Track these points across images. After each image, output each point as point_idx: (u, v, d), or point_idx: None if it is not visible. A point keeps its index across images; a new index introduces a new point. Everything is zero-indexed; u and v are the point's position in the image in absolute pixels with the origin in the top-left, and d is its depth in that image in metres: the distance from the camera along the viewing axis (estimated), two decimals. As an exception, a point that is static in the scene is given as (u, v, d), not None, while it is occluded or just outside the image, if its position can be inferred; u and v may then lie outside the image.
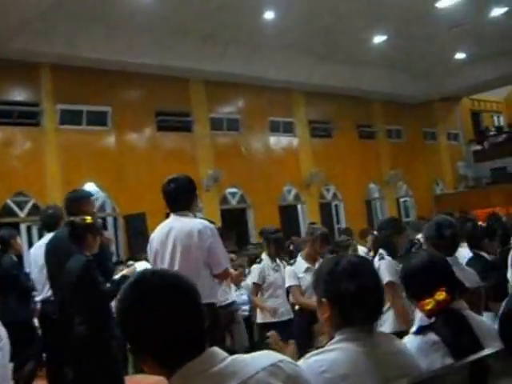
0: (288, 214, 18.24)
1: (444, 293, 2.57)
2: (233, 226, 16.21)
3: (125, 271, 5.68)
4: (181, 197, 4.63)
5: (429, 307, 2.58)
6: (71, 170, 13.49)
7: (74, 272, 4.78)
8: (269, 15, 14.00)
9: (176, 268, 4.36)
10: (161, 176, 14.47)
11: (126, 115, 14.73)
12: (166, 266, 4.45)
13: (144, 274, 1.79)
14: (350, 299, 2.20)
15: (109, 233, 5.70)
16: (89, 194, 6.07)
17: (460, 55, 19.30)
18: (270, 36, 14.58)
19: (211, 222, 4.83)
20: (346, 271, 2.25)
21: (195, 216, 4.92)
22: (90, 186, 14.14)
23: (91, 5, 12.07)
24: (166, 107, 15.61)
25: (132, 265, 5.74)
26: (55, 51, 12.84)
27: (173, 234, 4.52)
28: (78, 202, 5.47)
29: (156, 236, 4.68)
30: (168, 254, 4.50)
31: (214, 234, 4.54)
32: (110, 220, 14.82)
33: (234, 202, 17.09)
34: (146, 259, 6.25)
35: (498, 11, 14.92)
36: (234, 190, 17.02)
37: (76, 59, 13.28)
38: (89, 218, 5.04)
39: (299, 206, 18.78)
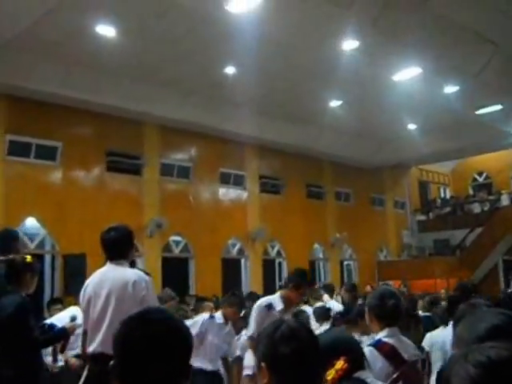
0: (231, 267, 18.09)
1: (343, 362, 2.58)
2: (174, 274, 16.01)
3: (67, 325, 5.43)
4: (119, 246, 4.68)
5: (330, 377, 2.59)
6: (14, 203, 13.20)
7: (7, 310, 4.60)
8: (230, 70, 14.15)
9: (108, 317, 4.38)
10: (105, 217, 14.46)
11: (76, 152, 14.54)
12: (96, 314, 4.46)
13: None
14: (286, 363, 2.17)
15: (76, 323, 5.51)
16: (18, 234, 5.91)
17: (411, 126, 19.78)
18: (228, 89, 14.72)
19: (147, 274, 4.83)
20: (284, 336, 2.22)
21: (132, 265, 4.93)
22: (30, 221, 13.85)
23: (51, 40, 11.96)
24: (118, 148, 15.49)
25: (74, 319, 5.50)
26: (10, 82, 12.72)
27: (107, 282, 4.52)
28: (12, 239, 5.36)
29: (91, 283, 4.67)
30: (101, 302, 4.49)
31: (149, 285, 4.55)
32: (47, 258, 14.43)
33: (176, 251, 16.87)
34: (77, 304, 6.05)
35: (450, 89, 15.37)
36: (178, 238, 16.82)
37: (31, 92, 13.17)
38: (29, 257, 5.02)
39: (242, 261, 18.66)
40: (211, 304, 9.85)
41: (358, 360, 2.72)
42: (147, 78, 14.32)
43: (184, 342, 1.89)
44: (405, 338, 4.33)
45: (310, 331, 2.41)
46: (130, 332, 1.89)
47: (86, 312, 4.63)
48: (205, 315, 6.95)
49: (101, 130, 15.08)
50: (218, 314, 6.84)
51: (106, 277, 4.57)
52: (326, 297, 10.93)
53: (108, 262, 4.70)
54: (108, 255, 4.70)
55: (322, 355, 2.62)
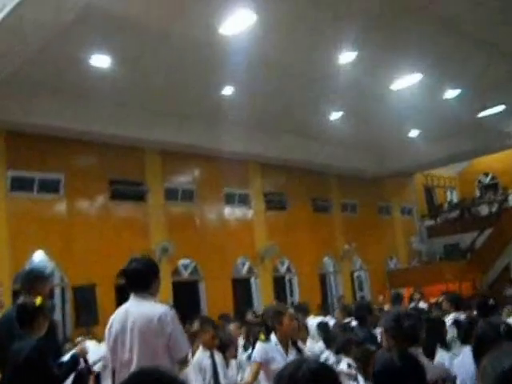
0: (241, 286, 18.02)
1: None
2: (185, 298, 15.94)
3: (74, 350, 5.39)
4: (142, 278, 4.55)
5: None
6: (20, 238, 13.19)
7: (23, 353, 4.55)
8: (227, 91, 14.13)
9: (135, 355, 4.33)
10: (112, 246, 14.44)
11: (78, 183, 14.53)
12: (126, 352, 4.39)
13: None
14: None
15: (84, 346, 5.45)
16: (48, 275, 5.79)
17: (414, 132, 19.73)
18: (227, 109, 14.68)
19: (170, 307, 4.73)
20: (306, 378, 2.13)
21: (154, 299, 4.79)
22: (38, 254, 13.82)
23: (47, 73, 12.02)
24: (120, 176, 15.47)
25: (82, 341, 5.47)
26: (9, 118, 12.73)
27: (131, 319, 4.43)
28: (34, 281, 5.30)
29: (115, 320, 4.56)
30: (128, 340, 4.40)
31: (174, 319, 4.45)
32: (57, 291, 14.36)
33: (186, 274, 16.79)
34: (95, 338, 6.03)
35: (451, 93, 15.33)
36: (186, 261, 16.76)
37: (30, 126, 13.16)
38: (39, 300, 4.86)
39: (253, 279, 18.57)
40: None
41: None
42: (145, 105, 14.33)
43: None
44: (426, 360, 4.26)
45: (333, 371, 2.33)
46: None
47: (113, 351, 4.53)
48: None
49: (102, 159, 15.08)
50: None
51: (130, 313, 4.47)
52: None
53: (132, 295, 4.58)
54: (131, 288, 4.58)
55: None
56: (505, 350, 2.15)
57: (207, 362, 6.54)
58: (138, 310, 4.46)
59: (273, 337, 5.75)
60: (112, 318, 4.62)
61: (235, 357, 7.77)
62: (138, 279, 4.53)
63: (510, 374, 1.87)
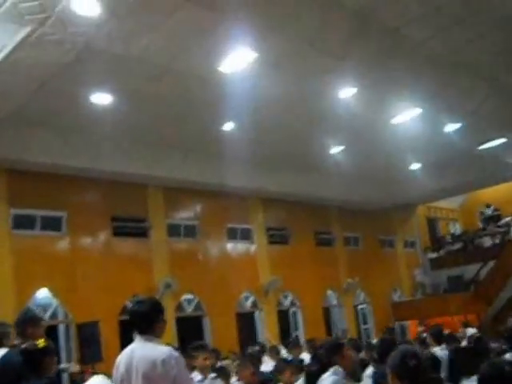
0: (245, 321, 17.96)
1: None
2: (189, 334, 15.88)
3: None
4: (147, 320, 4.52)
5: None
6: (24, 275, 13.14)
7: None
8: (228, 126, 14.26)
9: None
10: (115, 282, 14.41)
11: (81, 220, 14.57)
12: None
13: None
14: None
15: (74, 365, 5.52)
16: (39, 318, 5.81)
17: (415, 165, 19.84)
18: (228, 145, 14.76)
19: (175, 349, 4.69)
20: None
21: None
22: (42, 293, 13.82)
23: (48, 111, 12.11)
24: (123, 212, 15.53)
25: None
26: (11, 156, 12.81)
27: (135, 361, 4.40)
28: (28, 323, 5.32)
29: (122, 361, 4.54)
30: (133, 381, 4.37)
31: (179, 362, 4.39)
32: (61, 327, 14.32)
33: (189, 310, 16.74)
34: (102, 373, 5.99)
35: (452, 127, 15.44)
36: (190, 296, 16.72)
37: (31, 164, 13.24)
38: (42, 341, 4.89)
39: (257, 313, 18.51)
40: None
41: None
42: (146, 141, 14.44)
43: None
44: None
45: None
46: None
47: None
48: None
49: (104, 195, 15.16)
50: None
51: (135, 354, 4.44)
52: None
53: (137, 336, 4.56)
54: (136, 329, 4.56)
55: None
56: None
57: None
58: (142, 352, 4.43)
59: (333, 371, 5.54)
60: (118, 359, 4.62)
61: None
62: (143, 321, 4.51)
63: None
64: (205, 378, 6.23)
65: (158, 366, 4.27)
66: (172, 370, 4.27)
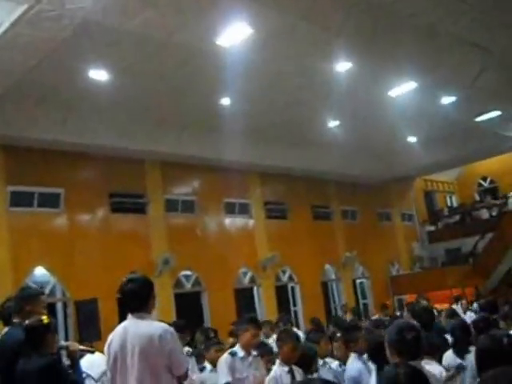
0: (244, 296, 17.98)
1: None
2: (187, 310, 15.89)
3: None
4: (139, 298, 4.61)
5: None
6: (21, 253, 13.11)
7: (38, 371, 4.59)
8: (225, 101, 14.16)
9: (136, 373, 4.36)
10: (113, 259, 14.37)
11: (79, 197, 14.48)
12: (125, 371, 4.43)
13: None
14: None
15: (73, 344, 5.47)
16: (38, 293, 5.74)
17: (412, 138, 19.78)
18: (225, 120, 14.66)
19: (169, 325, 4.79)
20: None
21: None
22: (39, 270, 13.77)
23: (46, 87, 12.02)
24: (121, 188, 15.44)
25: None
26: (8, 133, 12.69)
27: (130, 337, 4.48)
28: (26, 300, 5.27)
29: (114, 339, 4.61)
30: (128, 359, 4.45)
31: (174, 337, 4.53)
32: (59, 305, 14.30)
33: (188, 286, 16.74)
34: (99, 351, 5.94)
35: (447, 99, 15.37)
36: (188, 272, 16.70)
37: (29, 141, 13.14)
38: (45, 318, 4.91)
39: (255, 289, 18.53)
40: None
41: None
42: (144, 116, 14.33)
43: None
44: (428, 369, 4.24)
45: None
46: None
47: (113, 370, 4.57)
48: None
49: (102, 172, 15.06)
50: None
51: (129, 332, 4.52)
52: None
53: (129, 314, 4.63)
54: (128, 308, 4.63)
55: None
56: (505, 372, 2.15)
57: (286, 380, 5.67)
58: (137, 329, 4.51)
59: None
60: (110, 337, 4.67)
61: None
62: (135, 299, 4.59)
63: None
64: (248, 354, 6.01)
65: (155, 341, 4.39)
66: (167, 345, 4.41)
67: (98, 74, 11.84)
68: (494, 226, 22.24)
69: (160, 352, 4.39)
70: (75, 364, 5.08)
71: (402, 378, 2.59)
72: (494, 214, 24.17)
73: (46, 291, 13.95)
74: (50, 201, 14.14)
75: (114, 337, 4.63)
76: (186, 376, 4.80)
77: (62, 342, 5.56)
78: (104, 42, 10.40)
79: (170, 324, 4.97)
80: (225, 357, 5.98)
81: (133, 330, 4.52)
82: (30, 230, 13.58)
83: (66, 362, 5.22)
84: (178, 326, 6.25)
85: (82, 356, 5.57)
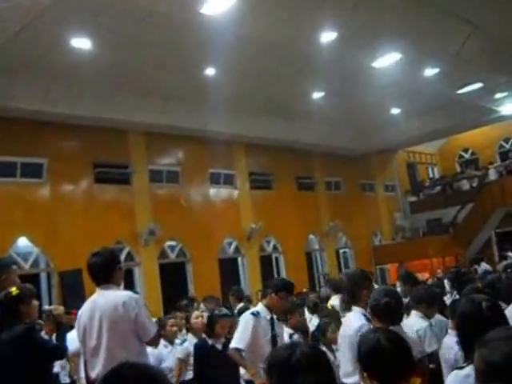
0: (228, 267, 18.07)
1: (418, 378, 2.55)
2: (172, 280, 15.97)
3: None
4: (104, 271, 4.72)
5: None
6: (3, 224, 13.03)
7: (10, 341, 4.53)
8: (210, 71, 14.09)
9: (104, 342, 4.49)
10: (97, 229, 14.31)
11: (62, 167, 14.40)
12: (93, 341, 4.56)
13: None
14: None
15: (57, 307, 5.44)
16: (9, 262, 5.71)
17: (395, 110, 19.83)
18: (210, 90, 14.59)
19: (135, 293, 4.99)
20: (301, 364, 2.07)
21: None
22: (22, 241, 13.73)
23: (28, 56, 11.85)
24: (105, 159, 15.38)
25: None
26: (-11, 102, 12.56)
27: (98, 309, 4.60)
28: None
29: (83, 312, 4.73)
30: (96, 329, 4.57)
31: (139, 304, 4.65)
32: (43, 276, 14.28)
33: (172, 256, 16.80)
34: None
35: (430, 71, 15.40)
36: (173, 243, 16.75)
37: (11, 111, 13.00)
38: (14, 290, 4.81)
39: (239, 259, 18.63)
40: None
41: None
42: (127, 86, 14.20)
43: None
44: (410, 335, 4.34)
45: (326, 357, 2.27)
46: None
47: (83, 342, 4.70)
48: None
49: (86, 142, 14.96)
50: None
51: (96, 303, 4.64)
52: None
53: (97, 288, 4.75)
54: (95, 281, 4.75)
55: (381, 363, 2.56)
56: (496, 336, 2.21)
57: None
58: (104, 299, 4.62)
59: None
60: (80, 311, 4.78)
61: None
62: (100, 272, 4.70)
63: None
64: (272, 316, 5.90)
65: (119, 308, 4.52)
66: (133, 311, 4.52)
67: (81, 43, 11.71)
68: (474, 196, 22.43)
69: (126, 318, 4.50)
70: (60, 329, 5.09)
71: (383, 343, 2.62)
72: (474, 185, 24.34)
73: (30, 262, 13.96)
74: (33, 171, 14.06)
75: (83, 311, 4.75)
76: (155, 340, 4.93)
77: (46, 307, 5.60)
78: (87, 10, 10.28)
79: None
80: (248, 316, 5.85)
81: (100, 300, 4.64)
82: (12, 200, 13.52)
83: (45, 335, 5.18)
84: None
85: (68, 321, 5.54)
